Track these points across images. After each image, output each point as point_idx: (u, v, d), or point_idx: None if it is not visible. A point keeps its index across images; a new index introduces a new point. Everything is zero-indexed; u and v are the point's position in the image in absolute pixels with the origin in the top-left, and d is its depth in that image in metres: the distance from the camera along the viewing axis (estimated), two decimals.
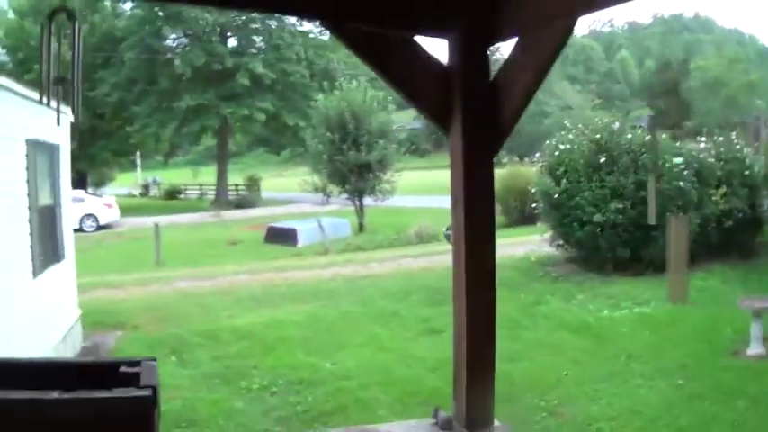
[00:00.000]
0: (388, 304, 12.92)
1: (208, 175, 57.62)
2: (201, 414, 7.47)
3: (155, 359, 4.14)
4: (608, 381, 8.27)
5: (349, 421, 7.31)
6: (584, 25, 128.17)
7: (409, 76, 2.22)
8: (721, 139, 15.20)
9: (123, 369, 3.94)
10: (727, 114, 47.90)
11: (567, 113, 69.03)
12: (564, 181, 14.08)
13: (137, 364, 4.01)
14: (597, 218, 13.42)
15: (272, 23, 45.10)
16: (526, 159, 64.50)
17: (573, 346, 9.85)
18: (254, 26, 45.48)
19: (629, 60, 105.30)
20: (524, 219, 25.30)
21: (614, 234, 13.47)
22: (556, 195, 14.18)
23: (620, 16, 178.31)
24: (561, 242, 14.93)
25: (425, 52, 3.09)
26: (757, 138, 23.59)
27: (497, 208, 26.64)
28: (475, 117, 2.25)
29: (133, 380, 3.78)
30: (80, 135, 39.85)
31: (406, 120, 57.22)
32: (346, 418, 7.47)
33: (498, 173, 28.51)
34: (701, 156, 14.41)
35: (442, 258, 17.48)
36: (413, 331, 11.31)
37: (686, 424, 6.84)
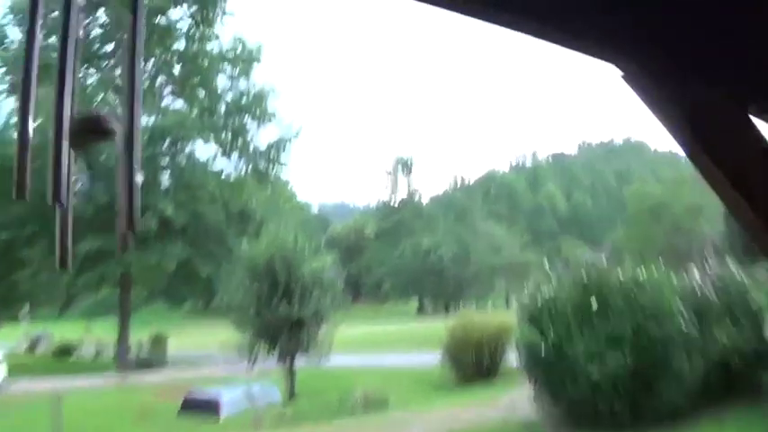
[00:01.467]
0: None
1: (103, 329, 51.95)
2: None
3: None
4: None
5: None
6: (506, 161, 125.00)
7: None
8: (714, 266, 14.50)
9: None
10: (673, 241, 44.28)
11: (497, 254, 67.31)
12: (551, 332, 12.56)
13: None
14: (594, 373, 11.81)
15: (182, 160, 41.86)
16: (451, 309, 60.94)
17: None
18: (162, 163, 41.97)
19: (555, 193, 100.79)
20: (481, 373, 22.46)
21: (613, 388, 11.92)
22: (543, 350, 12.64)
23: (545, 148, 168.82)
24: (548, 400, 13.31)
25: None
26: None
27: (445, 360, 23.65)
28: None
29: None
30: None
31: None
32: None
33: (444, 326, 25.68)
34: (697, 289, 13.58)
35: None
36: None
37: None
